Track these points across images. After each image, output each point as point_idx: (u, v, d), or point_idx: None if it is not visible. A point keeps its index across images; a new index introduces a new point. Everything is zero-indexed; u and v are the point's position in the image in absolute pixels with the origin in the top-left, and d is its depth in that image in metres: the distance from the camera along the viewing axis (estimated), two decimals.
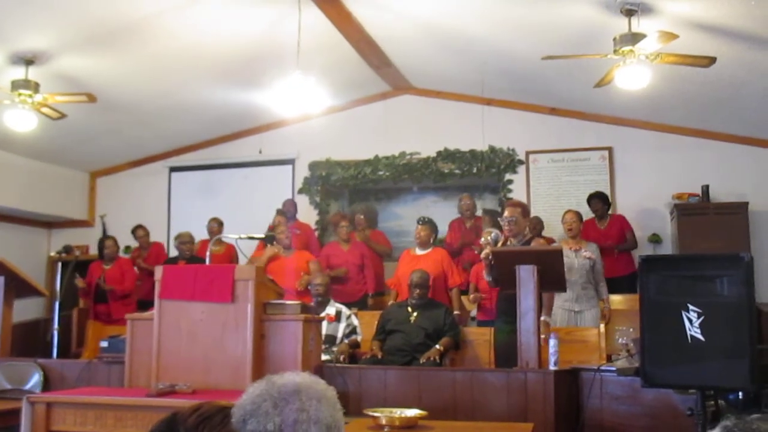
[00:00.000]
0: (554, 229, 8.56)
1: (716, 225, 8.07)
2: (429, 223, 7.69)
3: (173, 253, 9.19)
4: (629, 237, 8.36)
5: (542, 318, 6.01)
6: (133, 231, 9.47)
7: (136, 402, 4.47)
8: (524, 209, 5.96)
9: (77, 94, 7.20)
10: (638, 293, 3.78)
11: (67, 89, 7.45)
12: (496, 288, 6.27)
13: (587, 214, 8.37)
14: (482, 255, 5.86)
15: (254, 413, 1.86)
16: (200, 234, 9.06)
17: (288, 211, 9.01)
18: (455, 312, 7.23)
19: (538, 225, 8.38)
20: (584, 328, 6.65)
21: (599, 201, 8.46)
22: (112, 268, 8.64)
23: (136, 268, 9.03)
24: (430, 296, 6.94)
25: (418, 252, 7.56)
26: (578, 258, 6.98)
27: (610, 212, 8.59)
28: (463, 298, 7.65)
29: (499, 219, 6.22)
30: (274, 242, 7.90)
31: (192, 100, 8.90)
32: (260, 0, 6.66)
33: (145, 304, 7.96)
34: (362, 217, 9.07)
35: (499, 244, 5.80)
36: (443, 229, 8.71)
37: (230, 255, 8.77)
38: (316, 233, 9.71)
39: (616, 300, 7.35)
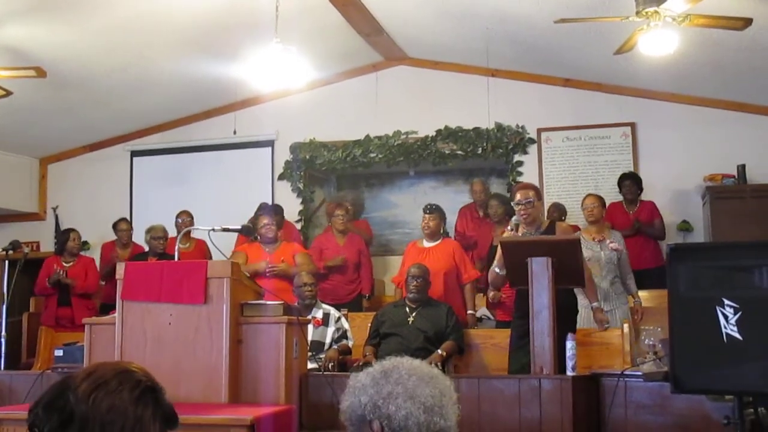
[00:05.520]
0: (569, 216, 8.56)
1: (754, 209, 8.09)
2: (437, 211, 7.62)
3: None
4: (657, 224, 8.40)
5: (594, 304, 6.01)
6: (115, 225, 9.35)
7: None
8: (536, 190, 5.95)
9: (24, 69, 7.15)
10: (667, 287, 3.77)
11: (13, 63, 7.40)
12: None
13: (609, 198, 8.36)
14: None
15: (352, 389, 2.00)
16: (166, 226, 9.02)
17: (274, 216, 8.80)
18: (469, 312, 7.23)
19: (556, 211, 8.41)
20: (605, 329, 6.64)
21: (633, 183, 8.48)
22: (74, 265, 8.59)
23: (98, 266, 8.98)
24: (442, 294, 6.93)
25: (426, 244, 7.51)
26: (604, 250, 6.95)
27: (641, 197, 8.60)
28: (478, 296, 7.62)
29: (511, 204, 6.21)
30: (256, 236, 7.81)
31: (155, 75, 8.86)
32: None
33: (110, 308, 7.94)
34: (351, 207, 9.11)
35: (520, 231, 5.76)
36: (450, 218, 8.75)
37: (201, 254, 8.70)
38: (299, 225, 9.70)
39: (642, 296, 7.35)
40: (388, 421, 1.89)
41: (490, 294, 7.34)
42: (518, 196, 5.81)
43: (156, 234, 8.54)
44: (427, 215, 7.52)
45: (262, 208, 8.83)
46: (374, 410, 1.91)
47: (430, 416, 1.90)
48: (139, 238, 9.27)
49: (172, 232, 8.88)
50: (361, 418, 1.93)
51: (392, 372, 1.95)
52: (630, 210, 8.44)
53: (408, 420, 1.89)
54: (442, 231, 7.67)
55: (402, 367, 1.97)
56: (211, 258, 8.27)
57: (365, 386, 1.95)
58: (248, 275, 5.84)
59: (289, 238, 8.64)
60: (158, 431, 1.91)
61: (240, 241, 8.24)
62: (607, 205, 7.77)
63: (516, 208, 5.83)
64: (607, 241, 7.01)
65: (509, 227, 6.68)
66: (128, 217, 10.21)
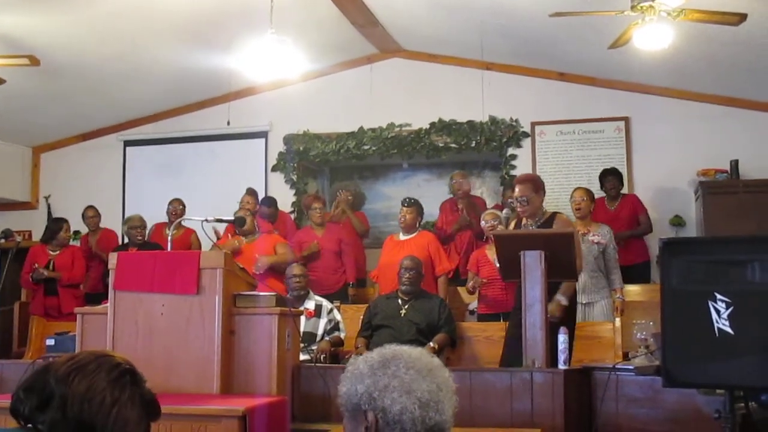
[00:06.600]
0: (563, 211, 8.55)
1: (747, 205, 8.10)
2: (415, 205, 7.67)
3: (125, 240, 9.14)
4: (643, 220, 8.37)
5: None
6: (83, 213, 9.40)
7: None
8: (535, 183, 5.88)
9: (17, 57, 7.12)
10: (660, 281, 3.78)
11: (6, 51, 7.37)
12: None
13: (600, 193, 8.38)
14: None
15: (350, 374, 1.99)
16: (158, 217, 9.02)
17: (263, 210, 8.72)
18: None
19: None
20: (597, 323, 6.66)
21: (615, 178, 8.47)
22: (61, 254, 8.59)
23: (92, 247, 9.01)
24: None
25: (402, 237, 7.56)
26: (585, 243, 6.95)
27: (623, 191, 8.61)
28: (460, 288, 7.67)
29: (509, 200, 6.22)
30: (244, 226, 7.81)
31: (149, 64, 8.83)
32: None
33: (94, 298, 7.94)
34: (350, 197, 9.10)
35: (511, 225, 5.77)
36: (434, 211, 8.74)
37: (187, 240, 8.69)
38: (293, 216, 9.69)
39: (634, 291, 7.37)
40: (383, 414, 1.89)
41: (469, 284, 7.34)
42: (516, 192, 5.81)
43: (133, 224, 8.50)
44: (404, 208, 7.59)
45: (250, 193, 8.83)
46: (370, 401, 1.91)
47: (425, 411, 1.90)
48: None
49: (164, 221, 8.90)
50: (356, 406, 1.94)
51: (390, 363, 1.94)
52: (611, 206, 8.41)
53: (403, 414, 1.89)
54: (419, 224, 7.68)
55: (401, 358, 1.96)
56: (197, 245, 8.38)
57: (362, 375, 1.94)
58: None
59: (284, 228, 8.66)
60: (139, 416, 1.95)
61: (228, 229, 8.22)
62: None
63: (514, 205, 5.86)
64: (590, 234, 7.01)
65: (483, 221, 6.72)
66: (121, 208, 10.23)
